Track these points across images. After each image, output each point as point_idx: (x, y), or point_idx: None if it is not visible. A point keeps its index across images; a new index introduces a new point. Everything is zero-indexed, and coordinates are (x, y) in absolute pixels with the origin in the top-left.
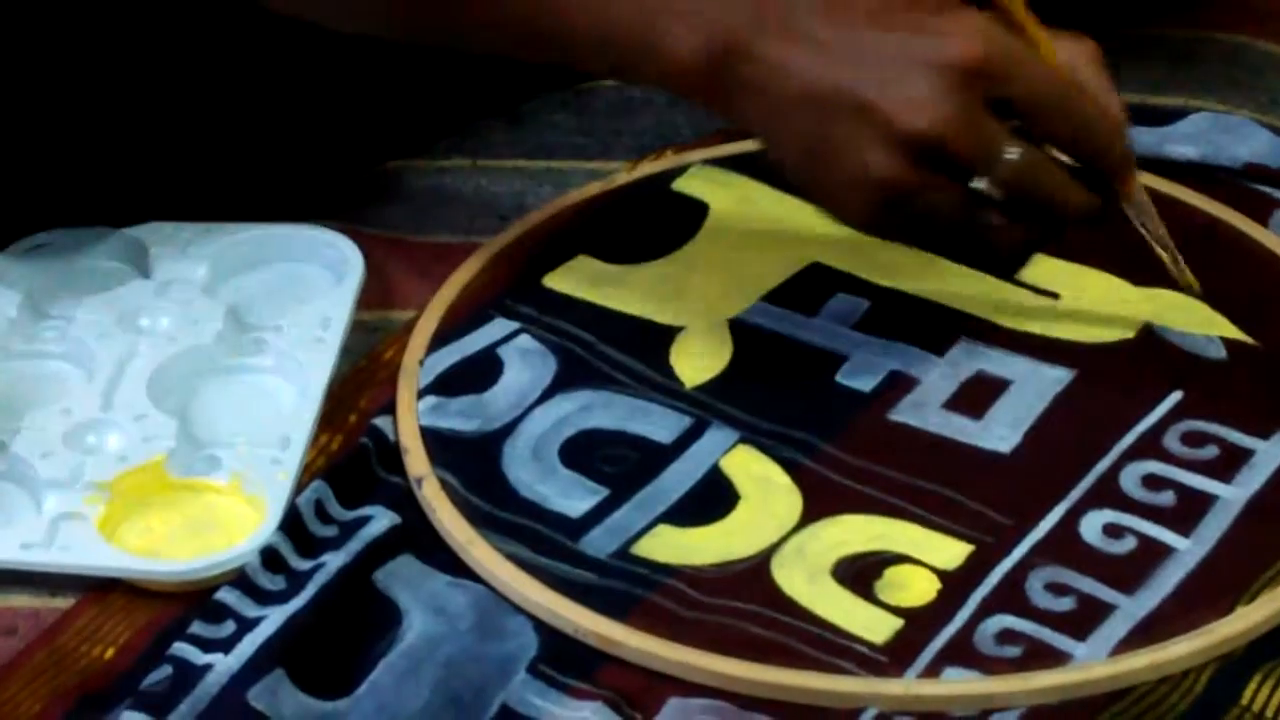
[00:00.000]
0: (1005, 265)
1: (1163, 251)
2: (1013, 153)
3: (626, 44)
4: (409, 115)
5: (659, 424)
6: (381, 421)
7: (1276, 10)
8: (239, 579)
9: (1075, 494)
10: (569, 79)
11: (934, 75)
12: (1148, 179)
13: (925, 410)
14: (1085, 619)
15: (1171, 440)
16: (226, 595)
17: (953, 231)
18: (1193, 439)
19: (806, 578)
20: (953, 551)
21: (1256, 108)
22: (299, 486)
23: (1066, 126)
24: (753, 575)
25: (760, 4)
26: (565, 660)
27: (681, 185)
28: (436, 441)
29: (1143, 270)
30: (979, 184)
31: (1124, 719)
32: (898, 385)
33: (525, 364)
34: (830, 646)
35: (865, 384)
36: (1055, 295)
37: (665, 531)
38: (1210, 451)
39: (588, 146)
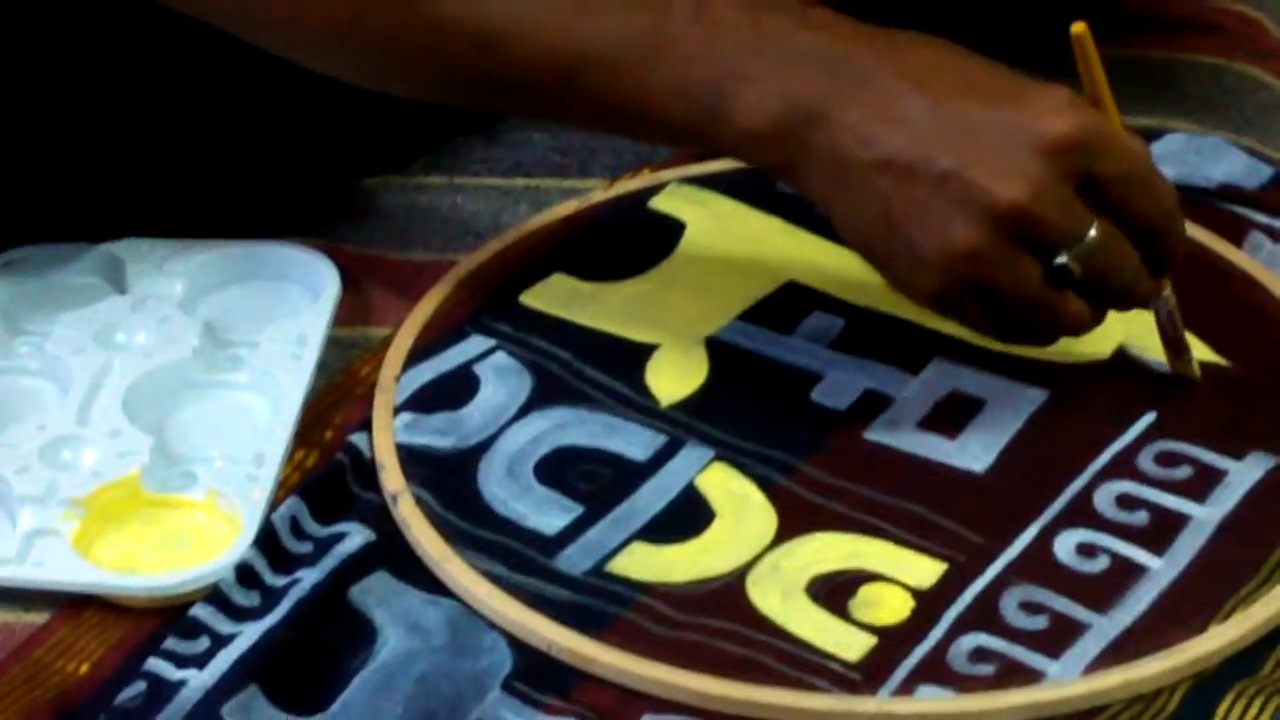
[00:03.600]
0: (1046, 340)
1: (1171, 354)
2: (1097, 231)
3: (700, 107)
4: (386, 132)
5: (634, 441)
6: (357, 438)
7: (1251, 32)
8: (213, 595)
9: (1049, 513)
10: None
11: (1026, 148)
12: None
13: (900, 429)
14: (1058, 637)
15: (1145, 460)
16: (201, 611)
17: (1024, 309)
18: (1166, 459)
19: (781, 595)
20: (927, 570)
21: (1232, 129)
22: (274, 503)
23: (1144, 206)
24: (727, 593)
25: (841, 73)
26: (539, 677)
27: (658, 203)
28: (412, 458)
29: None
30: (1063, 259)
31: None
32: (873, 404)
33: (501, 381)
34: (804, 664)
35: (840, 402)
36: None
37: (640, 549)
38: (1184, 472)
39: (565, 165)
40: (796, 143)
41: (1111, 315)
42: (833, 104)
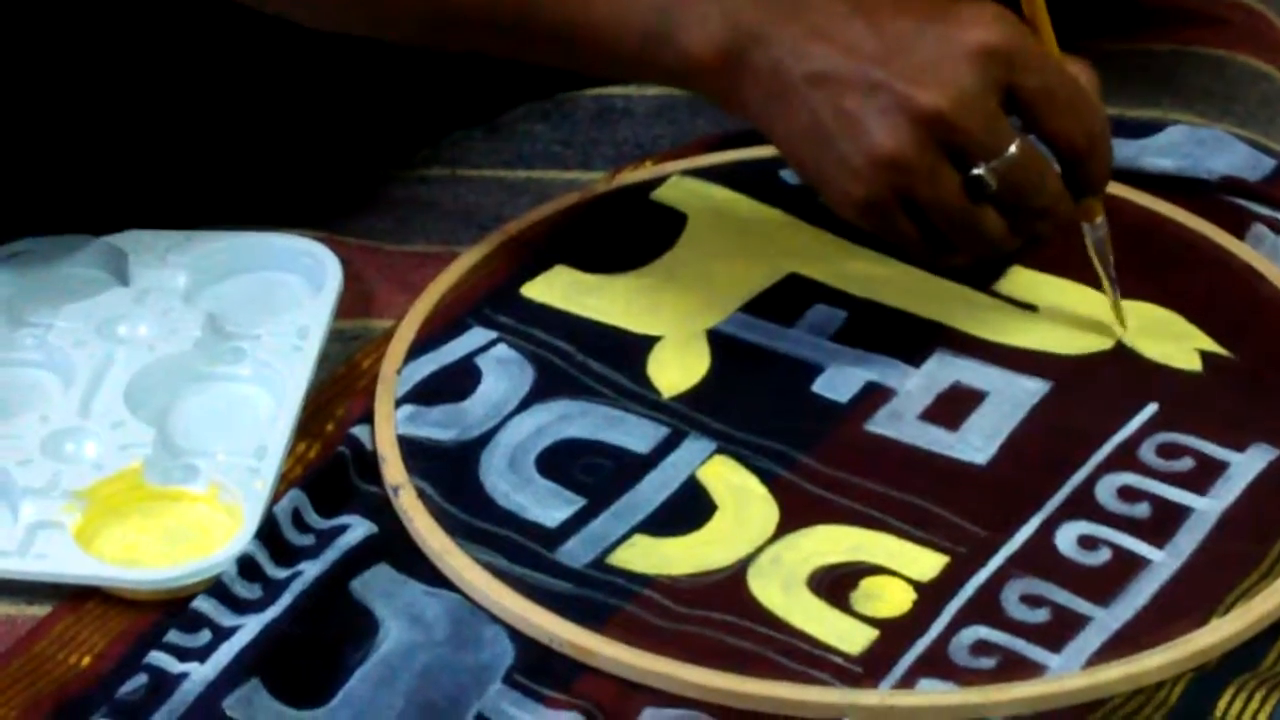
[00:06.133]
0: (976, 270)
1: (1107, 284)
2: (1018, 148)
3: (644, 37)
4: (389, 124)
5: (636, 434)
6: (359, 430)
7: (1255, 24)
8: (215, 588)
9: (1051, 505)
10: (548, 89)
11: (949, 56)
12: (1125, 190)
13: (902, 421)
14: (1060, 630)
15: (1147, 452)
16: (203, 604)
17: (944, 220)
18: (1168, 451)
19: (782, 588)
20: (928, 562)
21: (1234, 121)
22: (276, 495)
23: (1067, 122)
24: (729, 585)
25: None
26: (541, 670)
27: (660, 196)
28: (413, 450)
29: (1119, 283)
30: (981, 170)
31: None
32: (874, 396)
33: (503, 373)
34: (806, 657)
35: (842, 395)
36: (1032, 307)
37: (642, 541)
38: (1185, 464)
39: (567, 157)
40: (739, 64)
41: (1108, 308)
42: (772, 25)
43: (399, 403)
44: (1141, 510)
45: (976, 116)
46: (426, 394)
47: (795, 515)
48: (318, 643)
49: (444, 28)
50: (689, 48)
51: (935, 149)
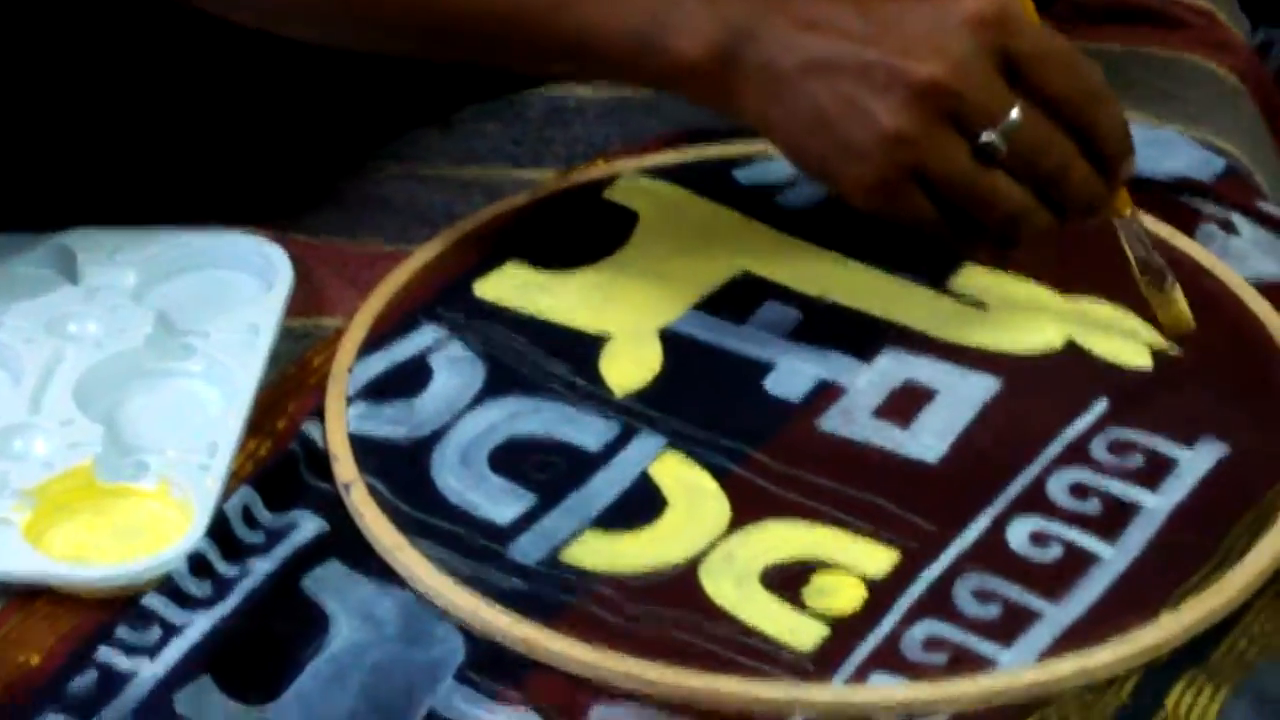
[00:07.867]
0: (995, 241)
1: (1146, 280)
2: (1020, 111)
3: (634, 42)
4: (341, 122)
5: (588, 431)
6: (310, 428)
7: (1204, 24)
8: (165, 585)
9: (1002, 502)
10: (501, 87)
11: (940, 27)
12: None
13: (854, 418)
14: (1011, 626)
15: (1098, 449)
16: (153, 601)
17: (957, 192)
18: (1118, 448)
19: (734, 584)
20: (880, 558)
21: (1185, 121)
22: (227, 492)
23: (1065, 84)
24: (680, 582)
25: None
26: (492, 666)
27: (612, 194)
28: (365, 448)
29: (1069, 280)
30: (989, 136)
31: None
32: (826, 393)
33: (454, 371)
34: (757, 653)
35: (794, 392)
36: (982, 305)
37: (593, 538)
38: (1135, 460)
39: (519, 155)
40: (731, 63)
41: (1064, 303)
42: (761, 20)
43: (350, 400)
44: (1092, 506)
45: (975, 82)
46: (378, 391)
47: (747, 511)
48: (268, 639)
49: (429, 40)
50: (681, 49)
51: (939, 120)
